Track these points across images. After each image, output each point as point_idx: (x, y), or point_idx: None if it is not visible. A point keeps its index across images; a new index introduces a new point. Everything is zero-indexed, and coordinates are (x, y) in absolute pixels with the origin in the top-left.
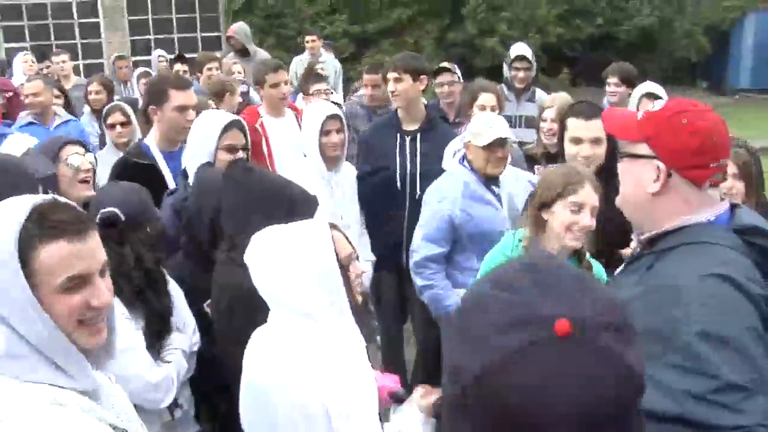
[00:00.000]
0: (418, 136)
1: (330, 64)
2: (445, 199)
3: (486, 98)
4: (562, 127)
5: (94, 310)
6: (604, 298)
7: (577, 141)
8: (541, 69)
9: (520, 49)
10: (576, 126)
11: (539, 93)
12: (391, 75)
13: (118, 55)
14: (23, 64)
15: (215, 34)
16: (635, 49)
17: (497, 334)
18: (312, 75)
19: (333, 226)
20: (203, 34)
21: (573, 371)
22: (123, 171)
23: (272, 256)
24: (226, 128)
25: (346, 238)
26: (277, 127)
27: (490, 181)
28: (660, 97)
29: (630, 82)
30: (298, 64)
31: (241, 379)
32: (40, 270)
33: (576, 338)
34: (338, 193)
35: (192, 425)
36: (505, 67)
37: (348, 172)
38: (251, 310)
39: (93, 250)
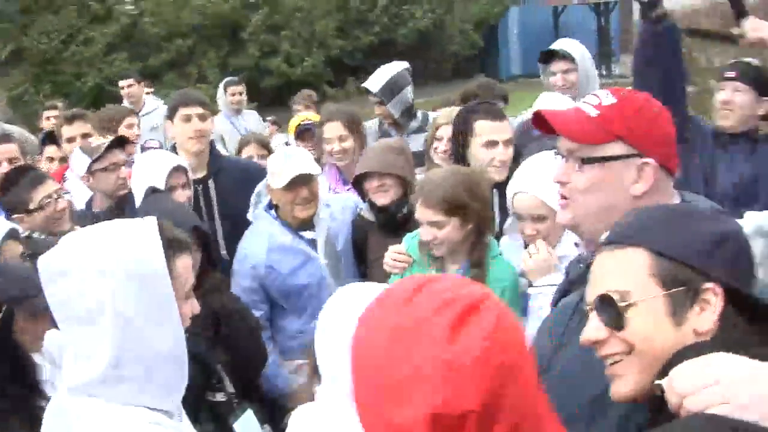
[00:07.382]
0: None
1: (159, 112)
2: (246, 257)
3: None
4: (464, 136)
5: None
6: None
7: (491, 144)
8: (328, 82)
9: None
10: (486, 128)
11: (432, 117)
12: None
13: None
14: None
15: None
16: (414, 51)
17: None
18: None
19: None
20: None
21: None
22: None
23: None
24: None
25: None
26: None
27: (303, 225)
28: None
29: None
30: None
31: None
32: (177, 278)
33: None
34: None
35: None
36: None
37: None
38: None
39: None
